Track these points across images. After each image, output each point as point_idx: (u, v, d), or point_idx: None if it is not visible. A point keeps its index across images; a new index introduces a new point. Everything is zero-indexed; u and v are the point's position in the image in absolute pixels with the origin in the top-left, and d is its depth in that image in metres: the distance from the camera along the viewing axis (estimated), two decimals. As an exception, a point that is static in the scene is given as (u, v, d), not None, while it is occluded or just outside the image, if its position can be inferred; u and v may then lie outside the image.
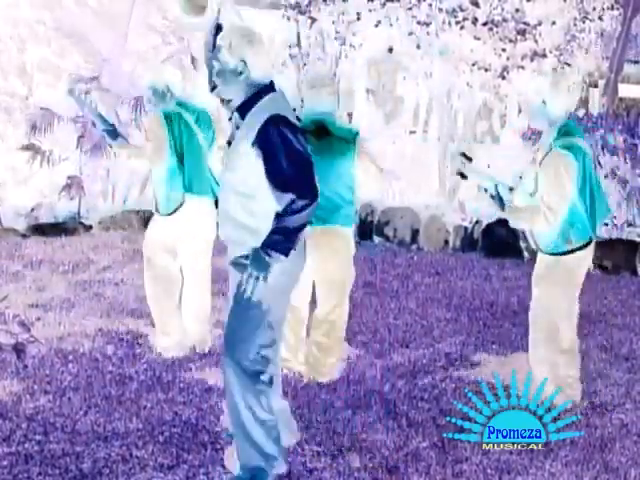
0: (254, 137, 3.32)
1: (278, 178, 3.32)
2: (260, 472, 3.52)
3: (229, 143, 3.53)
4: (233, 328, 3.48)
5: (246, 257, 3.36)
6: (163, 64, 9.07)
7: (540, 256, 4.54)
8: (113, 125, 5.29)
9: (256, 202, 3.38)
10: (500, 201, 4.32)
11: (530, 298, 4.64)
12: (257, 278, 3.30)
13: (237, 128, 3.45)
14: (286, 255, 3.32)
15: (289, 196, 3.29)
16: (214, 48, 3.40)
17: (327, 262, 4.76)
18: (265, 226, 3.34)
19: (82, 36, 9.57)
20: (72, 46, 9.58)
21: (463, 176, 4.39)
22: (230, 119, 3.51)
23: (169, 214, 5.11)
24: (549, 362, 4.55)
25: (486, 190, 4.29)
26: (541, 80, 4.43)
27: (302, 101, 4.87)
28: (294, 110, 3.73)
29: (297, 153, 3.34)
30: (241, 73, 3.39)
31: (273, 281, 3.36)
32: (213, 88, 3.42)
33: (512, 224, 4.59)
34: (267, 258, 3.29)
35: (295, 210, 3.30)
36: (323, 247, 4.67)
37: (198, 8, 3.53)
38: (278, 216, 3.32)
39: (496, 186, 4.26)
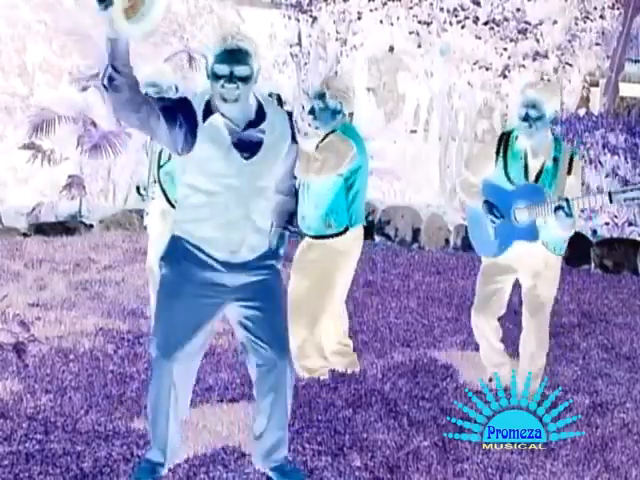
0: (290, 136, 3.44)
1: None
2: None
3: (247, 150, 3.30)
4: (282, 332, 3.54)
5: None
6: (163, 64, 9.07)
7: (554, 259, 4.54)
8: None
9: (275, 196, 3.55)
10: (572, 217, 4.25)
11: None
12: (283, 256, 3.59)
13: (263, 132, 3.32)
14: None
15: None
16: (240, 52, 3.21)
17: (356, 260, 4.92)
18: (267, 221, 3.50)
19: (82, 36, 9.56)
20: (72, 46, 9.57)
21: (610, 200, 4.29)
22: (249, 127, 3.30)
23: None
24: (544, 356, 4.74)
25: (561, 208, 4.20)
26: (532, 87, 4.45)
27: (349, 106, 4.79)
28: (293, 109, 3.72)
29: None
30: (255, 79, 3.36)
31: None
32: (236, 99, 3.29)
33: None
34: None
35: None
36: (360, 246, 4.85)
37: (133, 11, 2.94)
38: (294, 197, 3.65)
39: (567, 203, 4.20)
